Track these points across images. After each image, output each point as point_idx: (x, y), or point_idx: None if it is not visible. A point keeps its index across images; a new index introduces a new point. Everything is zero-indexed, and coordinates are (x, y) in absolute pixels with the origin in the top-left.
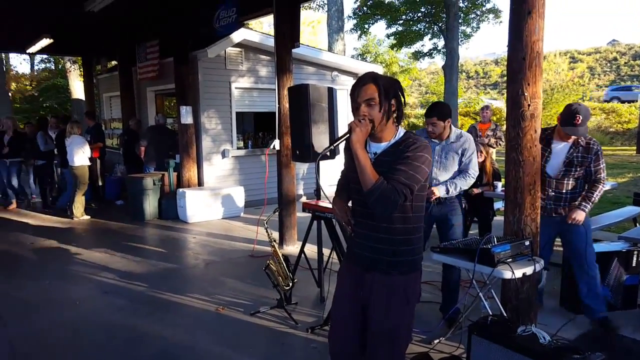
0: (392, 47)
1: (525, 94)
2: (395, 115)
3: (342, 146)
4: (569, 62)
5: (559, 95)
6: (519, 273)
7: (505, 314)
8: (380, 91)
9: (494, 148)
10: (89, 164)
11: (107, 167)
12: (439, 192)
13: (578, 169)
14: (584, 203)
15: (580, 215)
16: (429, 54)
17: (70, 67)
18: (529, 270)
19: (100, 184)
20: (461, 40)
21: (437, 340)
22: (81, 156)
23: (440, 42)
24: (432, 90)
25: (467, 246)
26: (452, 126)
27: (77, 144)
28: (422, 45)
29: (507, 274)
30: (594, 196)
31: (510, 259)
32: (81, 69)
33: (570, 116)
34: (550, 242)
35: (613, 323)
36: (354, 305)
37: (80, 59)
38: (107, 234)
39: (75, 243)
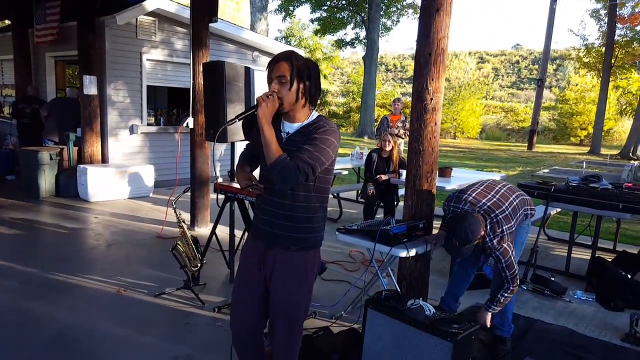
0: (316, 32)
1: (429, 88)
2: (308, 97)
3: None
4: (477, 62)
5: (465, 92)
6: (412, 252)
7: (399, 290)
8: (293, 70)
9: (403, 139)
10: None
11: None
12: None
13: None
14: (490, 304)
15: (486, 318)
16: (351, 43)
17: None
18: (421, 250)
19: None
20: (381, 33)
21: (339, 315)
22: None
23: (362, 33)
24: (352, 80)
25: (369, 227)
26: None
27: None
28: (344, 34)
29: (403, 253)
30: (502, 298)
31: (406, 239)
32: None
33: (449, 233)
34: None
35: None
36: (257, 280)
37: None
38: None
39: None
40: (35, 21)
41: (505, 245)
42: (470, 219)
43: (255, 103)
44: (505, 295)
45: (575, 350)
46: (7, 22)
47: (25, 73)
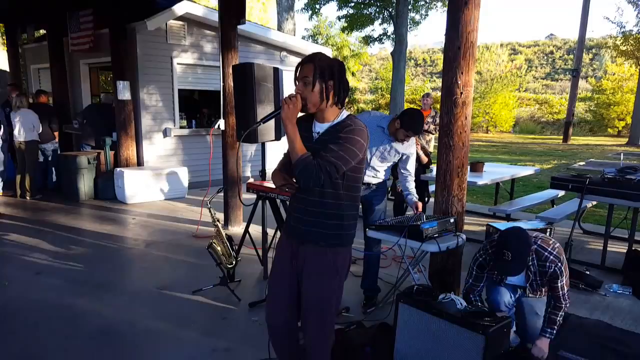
0: (343, 29)
1: (459, 82)
2: (334, 97)
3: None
4: (509, 53)
5: (497, 85)
6: (444, 247)
7: (431, 285)
8: (316, 71)
9: (433, 134)
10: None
11: None
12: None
13: (543, 286)
14: (548, 329)
15: (545, 346)
16: (379, 39)
17: None
18: (452, 245)
19: None
20: (410, 27)
21: (370, 310)
22: (33, 131)
23: (390, 28)
24: (381, 76)
25: (400, 223)
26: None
27: (30, 117)
28: (372, 30)
29: (434, 248)
30: (558, 318)
31: (437, 235)
32: (4, 37)
33: (498, 249)
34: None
35: None
36: (290, 276)
37: (2, 25)
38: (38, 213)
39: (1, 223)
40: (70, 30)
41: (564, 260)
42: (521, 232)
43: (280, 105)
44: (562, 314)
45: (611, 343)
46: (43, 31)
47: (61, 80)
